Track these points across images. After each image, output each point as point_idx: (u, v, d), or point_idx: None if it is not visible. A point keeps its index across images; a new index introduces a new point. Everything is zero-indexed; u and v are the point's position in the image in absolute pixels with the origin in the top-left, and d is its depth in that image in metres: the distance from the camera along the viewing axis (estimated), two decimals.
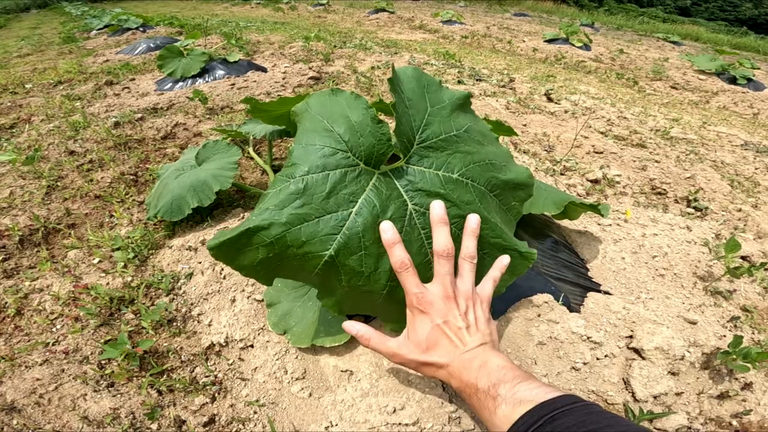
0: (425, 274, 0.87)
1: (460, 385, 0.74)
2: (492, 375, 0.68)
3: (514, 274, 0.98)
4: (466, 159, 0.89)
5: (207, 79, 3.64)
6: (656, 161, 2.51)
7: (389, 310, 0.91)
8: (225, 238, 0.76)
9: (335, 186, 0.80)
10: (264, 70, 3.85)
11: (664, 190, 2.20)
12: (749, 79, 5.60)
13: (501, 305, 1.13)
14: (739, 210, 2.11)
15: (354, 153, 0.83)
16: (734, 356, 1.05)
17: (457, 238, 0.88)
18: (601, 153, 2.53)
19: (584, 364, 1.05)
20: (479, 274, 0.94)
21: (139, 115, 2.77)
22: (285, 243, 0.77)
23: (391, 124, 0.95)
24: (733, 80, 5.65)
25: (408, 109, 0.86)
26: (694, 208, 2.07)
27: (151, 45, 5.14)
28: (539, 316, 1.12)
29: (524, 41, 7.43)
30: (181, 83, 3.55)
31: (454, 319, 0.81)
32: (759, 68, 6.55)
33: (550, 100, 3.58)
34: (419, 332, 0.82)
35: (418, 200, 0.86)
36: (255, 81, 3.47)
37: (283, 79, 3.51)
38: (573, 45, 6.99)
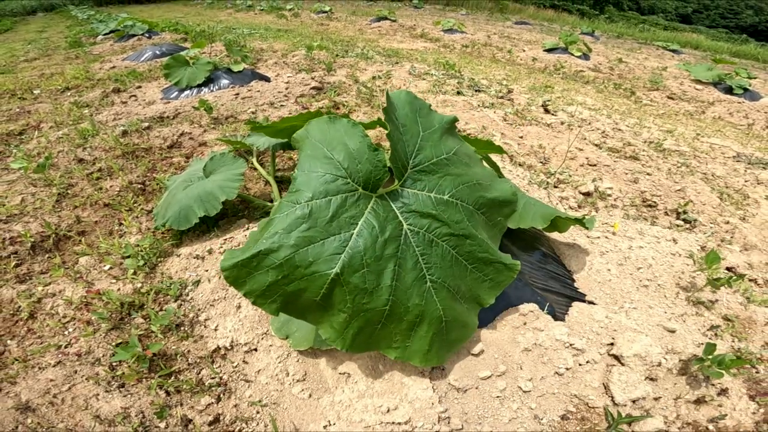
0: (420, 287, 0.95)
1: None
2: None
3: (501, 285, 1.06)
4: (456, 181, 0.97)
5: (212, 88, 3.72)
6: (648, 174, 2.58)
7: (391, 332, 0.98)
8: (237, 259, 0.85)
9: (337, 210, 0.89)
10: (267, 79, 3.94)
11: (655, 202, 2.27)
12: (745, 89, 5.66)
13: (489, 314, 1.20)
14: (727, 222, 2.17)
15: (353, 179, 0.92)
16: (709, 363, 1.12)
17: (448, 256, 0.96)
18: (595, 165, 2.61)
19: (567, 369, 1.11)
20: (469, 286, 1.01)
21: (146, 124, 2.85)
22: (293, 264, 0.86)
23: (387, 145, 1.03)
24: (729, 90, 5.71)
25: (402, 136, 0.94)
26: (683, 220, 2.14)
27: (157, 52, 5.24)
28: (525, 324, 1.19)
29: (524, 50, 7.52)
30: (186, 92, 3.63)
31: None
32: (756, 77, 6.62)
33: (547, 111, 3.65)
34: None
35: (412, 221, 0.95)
36: (259, 91, 3.55)
37: (286, 89, 3.59)
38: (572, 54, 7.09)
